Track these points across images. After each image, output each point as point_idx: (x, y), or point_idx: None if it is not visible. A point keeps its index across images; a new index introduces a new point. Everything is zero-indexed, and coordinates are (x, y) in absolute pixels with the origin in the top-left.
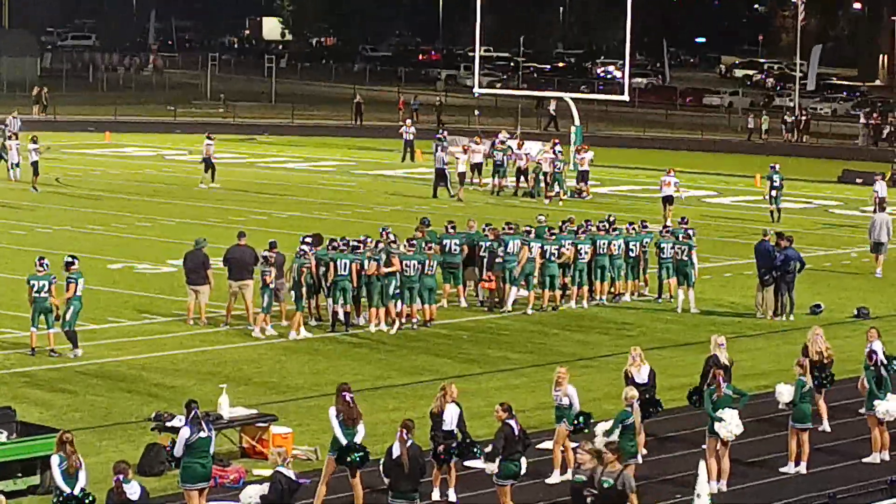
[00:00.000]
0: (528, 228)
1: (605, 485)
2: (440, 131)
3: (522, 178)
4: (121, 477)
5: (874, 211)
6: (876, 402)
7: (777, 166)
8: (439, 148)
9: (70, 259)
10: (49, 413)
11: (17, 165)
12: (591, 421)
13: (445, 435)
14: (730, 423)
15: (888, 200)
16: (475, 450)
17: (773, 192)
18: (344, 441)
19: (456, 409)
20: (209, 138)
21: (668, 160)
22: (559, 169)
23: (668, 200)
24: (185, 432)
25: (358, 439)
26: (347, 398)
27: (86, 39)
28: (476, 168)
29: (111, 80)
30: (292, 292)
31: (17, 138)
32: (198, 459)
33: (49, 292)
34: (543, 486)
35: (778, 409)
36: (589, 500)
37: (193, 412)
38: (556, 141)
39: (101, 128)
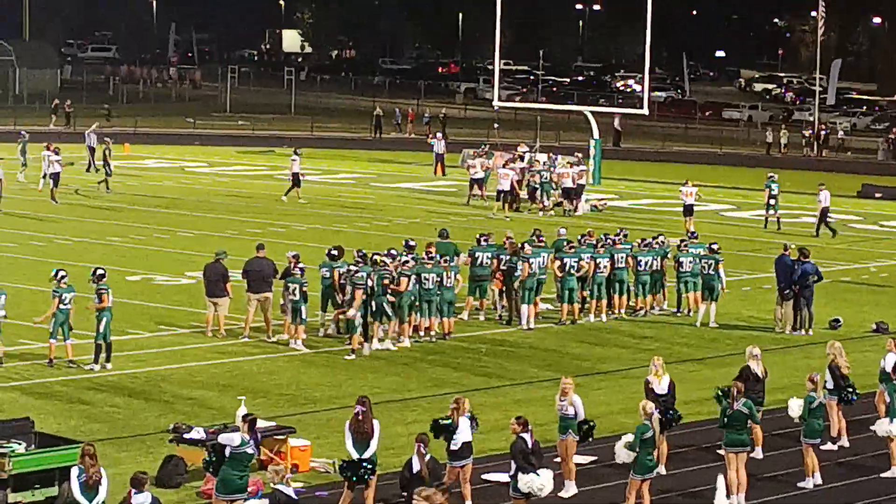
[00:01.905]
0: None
1: None
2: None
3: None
4: (133, 490)
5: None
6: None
7: (775, 176)
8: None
9: (102, 272)
10: (67, 425)
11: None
12: (593, 432)
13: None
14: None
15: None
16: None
17: (772, 202)
18: (354, 455)
19: (468, 421)
20: (296, 153)
21: (687, 174)
22: (545, 179)
23: (688, 211)
24: (235, 439)
25: (366, 455)
26: (357, 411)
27: (106, 52)
28: (477, 182)
29: (131, 92)
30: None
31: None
32: (236, 471)
33: (70, 304)
34: (558, 500)
35: (795, 423)
36: None
37: (251, 423)
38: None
39: (120, 140)
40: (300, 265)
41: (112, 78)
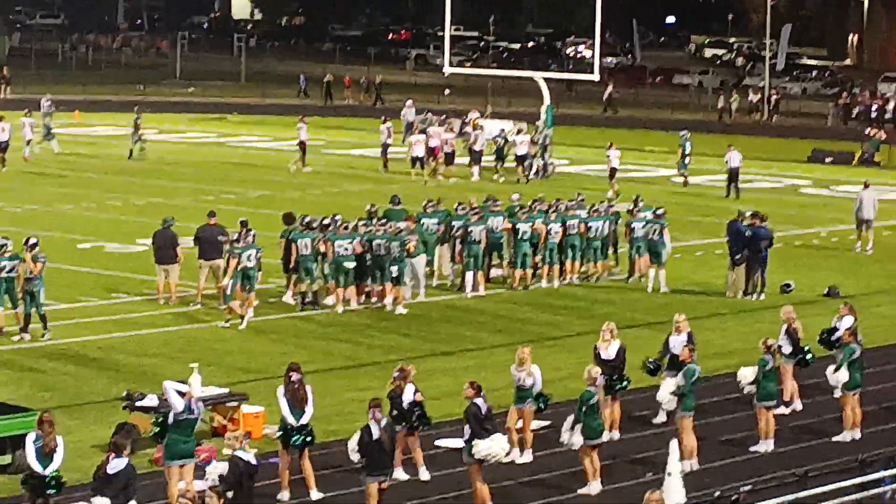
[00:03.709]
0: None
1: None
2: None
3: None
4: (112, 455)
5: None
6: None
7: (688, 133)
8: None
9: (35, 240)
10: (19, 393)
11: (29, 143)
12: (549, 402)
13: (407, 411)
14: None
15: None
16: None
17: (686, 160)
18: (292, 421)
19: (412, 387)
20: (302, 121)
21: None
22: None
23: (612, 174)
24: (178, 405)
25: (304, 420)
26: (293, 378)
27: (54, 18)
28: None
29: (80, 60)
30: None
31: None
32: (181, 436)
33: (12, 271)
34: (513, 466)
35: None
36: None
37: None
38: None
39: (70, 107)
40: (251, 231)
41: (61, 45)
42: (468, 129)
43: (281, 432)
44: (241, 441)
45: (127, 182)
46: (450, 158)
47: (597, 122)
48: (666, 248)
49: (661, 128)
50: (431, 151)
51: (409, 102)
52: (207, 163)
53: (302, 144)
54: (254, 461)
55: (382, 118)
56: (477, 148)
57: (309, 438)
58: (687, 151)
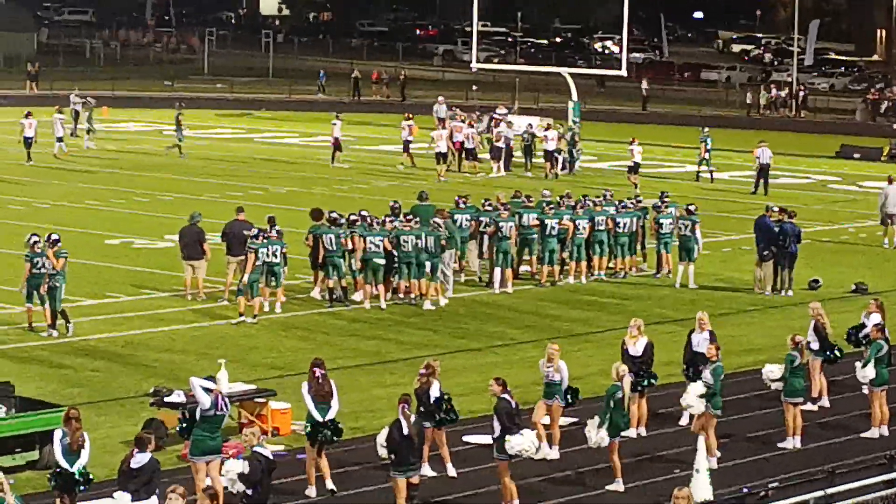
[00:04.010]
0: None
1: None
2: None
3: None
4: (136, 449)
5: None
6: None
7: (708, 130)
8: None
9: (56, 236)
10: (48, 389)
11: (61, 140)
12: (579, 398)
13: (434, 406)
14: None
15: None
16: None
17: (706, 156)
18: (318, 417)
19: (438, 384)
20: (337, 117)
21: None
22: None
23: (633, 169)
24: (206, 402)
25: (331, 415)
26: (318, 374)
27: (83, 14)
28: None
29: (108, 56)
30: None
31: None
32: (207, 433)
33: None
34: (541, 463)
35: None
36: None
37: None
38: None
39: (99, 103)
40: (276, 228)
41: (90, 41)
42: (493, 124)
43: (308, 428)
44: (258, 437)
45: (155, 178)
46: (470, 154)
47: (625, 117)
48: (697, 245)
49: (689, 123)
50: (455, 146)
51: (441, 99)
52: (235, 159)
53: (336, 141)
54: (271, 457)
55: (406, 115)
56: (499, 144)
57: (335, 434)
58: (709, 147)
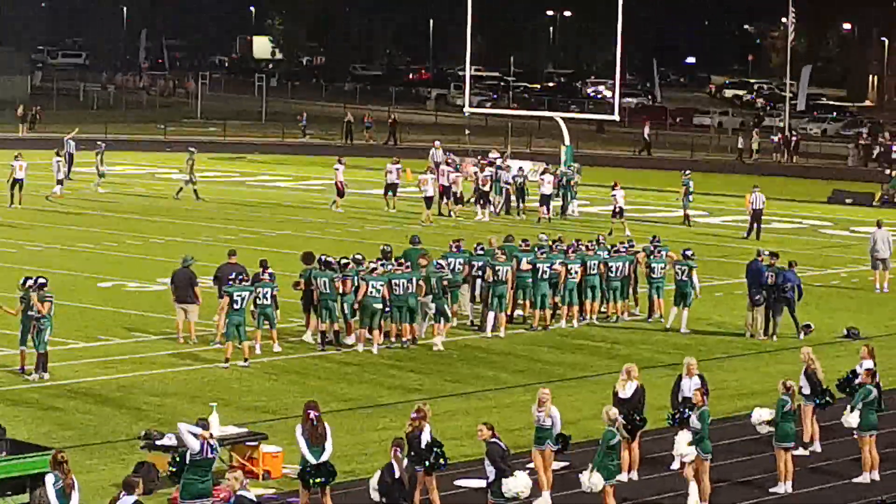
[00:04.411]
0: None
1: None
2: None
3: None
4: (123, 493)
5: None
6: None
7: (690, 173)
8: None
9: (44, 280)
10: (39, 431)
11: (61, 182)
12: (569, 443)
13: (425, 451)
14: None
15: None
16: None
17: (689, 198)
18: (311, 460)
19: (429, 428)
20: (340, 161)
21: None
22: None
23: (620, 213)
24: (195, 446)
25: (324, 458)
26: (312, 416)
27: (76, 58)
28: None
29: (102, 99)
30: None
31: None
32: (197, 476)
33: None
34: None
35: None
36: None
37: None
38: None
39: (91, 146)
40: (269, 271)
41: (83, 84)
42: (482, 167)
43: (300, 471)
44: (241, 482)
45: (147, 221)
46: (456, 198)
47: (623, 162)
48: (694, 290)
49: (679, 168)
50: (439, 189)
51: (437, 143)
52: (228, 202)
53: (339, 185)
54: (255, 500)
55: (393, 158)
56: (485, 188)
57: (329, 477)
58: (690, 189)
